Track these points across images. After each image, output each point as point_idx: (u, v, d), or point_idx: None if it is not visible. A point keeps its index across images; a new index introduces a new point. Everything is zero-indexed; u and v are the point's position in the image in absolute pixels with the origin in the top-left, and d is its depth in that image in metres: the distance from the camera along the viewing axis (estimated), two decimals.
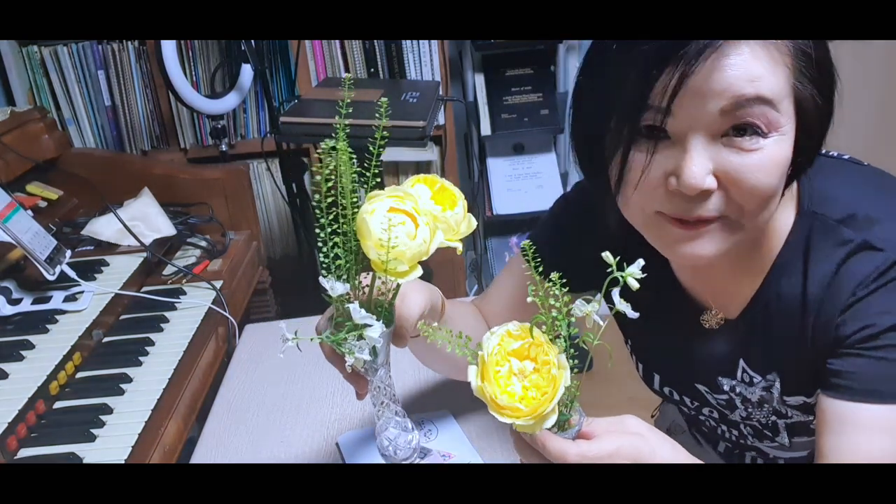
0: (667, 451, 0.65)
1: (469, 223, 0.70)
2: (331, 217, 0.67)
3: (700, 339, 0.82)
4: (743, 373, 0.79)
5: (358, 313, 0.67)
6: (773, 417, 0.81)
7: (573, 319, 0.60)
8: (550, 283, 0.59)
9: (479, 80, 2.33)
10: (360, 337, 0.68)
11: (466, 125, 2.40)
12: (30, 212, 1.39)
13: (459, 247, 0.69)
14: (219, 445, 1.05)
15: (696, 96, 0.61)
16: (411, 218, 0.64)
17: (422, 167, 2.36)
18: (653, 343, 0.89)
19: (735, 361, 0.79)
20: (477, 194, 2.38)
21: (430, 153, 2.33)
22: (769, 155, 0.62)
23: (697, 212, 0.65)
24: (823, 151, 0.77)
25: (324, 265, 0.68)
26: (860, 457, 0.65)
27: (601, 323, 0.60)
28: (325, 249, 0.68)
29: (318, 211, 0.67)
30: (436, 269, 2.08)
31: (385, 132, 0.67)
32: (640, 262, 0.58)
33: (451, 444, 0.98)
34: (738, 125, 0.62)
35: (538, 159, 2.42)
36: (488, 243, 2.51)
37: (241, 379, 1.21)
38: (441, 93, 2.04)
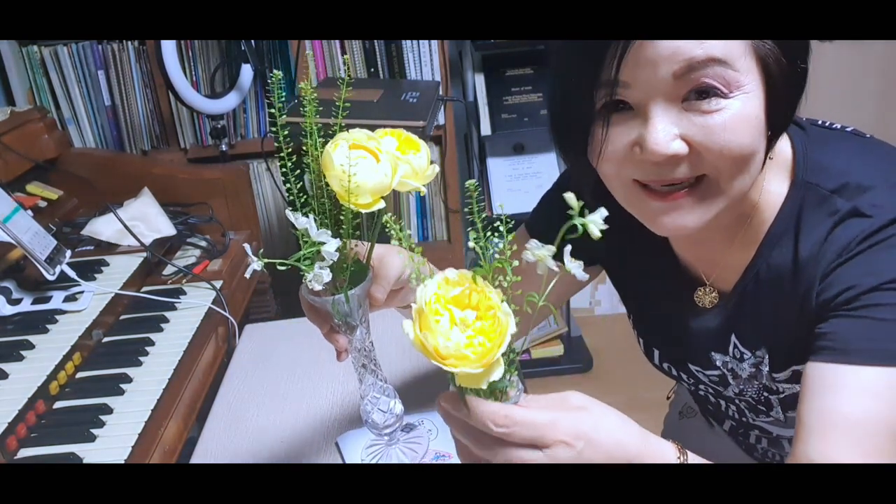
0: (612, 423, 0.61)
1: (433, 170, 0.73)
2: (289, 150, 0.71)
3: (695, 314, 0.82)
4: (734, 348, 0.79)
5: (314, 230, 0.68)
6: (765, 394, 0.81)
7: (515, 264, 0.57)
8: (497, 225, 0.57)
9: (479, 80, 2.33)
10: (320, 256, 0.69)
11: (466, 125, 2.40)
12: (30, 212, 1.39)
13: (423, 188, 0.72)
14: (219, 445, 1.05)
15: (647, 64, 0.61)
16: (373, 154, 0.67)
17: None
18: (651, 318, 0.89)
19: (727, 336, 0.79)
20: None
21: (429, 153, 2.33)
22: (733, 114, 0.62)
23: (670, 176, 0.65)
24: (827, 123, 0.77)
25: (289, 198, 0.72)
26: (840, 418, 0.63)
27: (555, 269, 0.55)
28: (288, 185, 0.71)
29: (276, 144, 0.71)
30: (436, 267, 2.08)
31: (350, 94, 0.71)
32: (603, 211, 0.55)
33: (451, 445, 0.97)
34: (697, 88, 0.62)
35: (538, 159, 2.42)
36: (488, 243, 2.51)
37: (241, 379, 1.21)
38: (441, 93, 2.04)
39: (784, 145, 0.73)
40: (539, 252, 0.55)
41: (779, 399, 0.80)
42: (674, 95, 0.62)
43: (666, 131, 0.62)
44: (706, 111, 0.62)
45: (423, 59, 2.22)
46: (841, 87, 2.35)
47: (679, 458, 0.62)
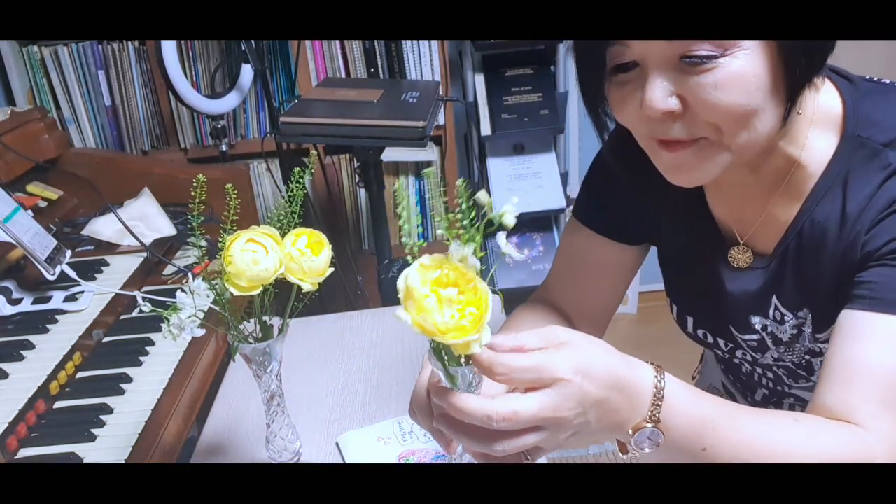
0: (600, 351, 0.60)
1: (324, 271, 0.80)
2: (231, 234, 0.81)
3: (733, 277, 0.81)
4: (775, 311, 0.78)
5: (202, 285, 0.80)
6: (807, 356, 0.80)
7: (478, 215, 0.61)
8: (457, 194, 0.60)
9: (479, 80, 2.33)
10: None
11: (466, 125, 2.40)
12: (30, 212, 1.39)
13: (307, 286, 0.80)
14: (219, 445, 1.05)
15: None
16: (265, 249, 0.78)
17: (422, 167, 2.36)
18: (687, 283, 0.88)
19: (768, 299, 0.79)
20: None
21: (430, 153, 2.33)
22: (727, 72, 0.63)
23: (671, 133, 0.67)
24: (876, 78, 0.76)
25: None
26: (864, 367, 0.63)
27: (487, 199, 0.59)
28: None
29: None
30: None
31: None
32: (515, 199, 0.59)
33: None
34: (694, 48, 0.63)
35: (538, 159, 2.42)
36: (488, 244, 2.51)
37: (241, 379, 1.21)
38: (441, 93, 2.04)
39: (832, 100, 0.73)
40: (485, 199, 0.59)
41: (820, 362, 0.79)
42: (670, 54, 0.64)
43: (663, 87, 0.65)
44: (701, 70, 0.63)
45: (423, 59, 2.22)
46: None
47: (656, 376, 0.61)
